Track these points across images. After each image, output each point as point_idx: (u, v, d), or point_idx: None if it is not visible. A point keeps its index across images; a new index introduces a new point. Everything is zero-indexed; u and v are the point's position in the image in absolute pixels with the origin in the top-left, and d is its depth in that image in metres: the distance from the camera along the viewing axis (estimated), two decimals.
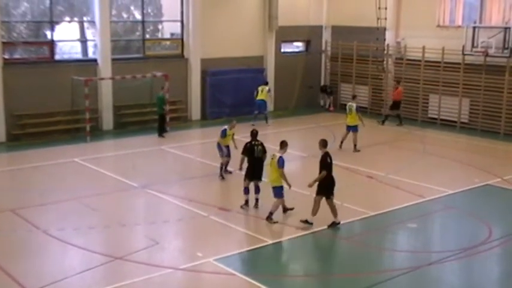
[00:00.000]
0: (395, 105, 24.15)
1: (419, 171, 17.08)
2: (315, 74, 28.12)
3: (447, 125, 23.49)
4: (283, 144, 12.90)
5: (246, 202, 13.54)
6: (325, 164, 12.44)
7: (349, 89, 27.12)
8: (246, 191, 13.59)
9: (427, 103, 24.85)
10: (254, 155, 13.59)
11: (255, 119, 23.00)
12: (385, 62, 26.07)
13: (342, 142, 19.47)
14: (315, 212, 12.50)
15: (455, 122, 23.74)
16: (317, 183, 12.48)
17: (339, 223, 12.66)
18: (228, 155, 16.02)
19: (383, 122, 24.14)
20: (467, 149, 20.65)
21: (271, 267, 11.19)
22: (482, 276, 10.94)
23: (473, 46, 22.48)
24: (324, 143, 12.72)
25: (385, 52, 25.87)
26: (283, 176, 12.63)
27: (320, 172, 12.44)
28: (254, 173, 13.55)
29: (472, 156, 19.14)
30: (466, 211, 14.14)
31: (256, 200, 13.51)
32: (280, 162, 12.59)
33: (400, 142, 21.09)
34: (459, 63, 23.38)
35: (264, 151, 13.73)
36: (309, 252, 11.80)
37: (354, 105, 19.58)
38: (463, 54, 22.95)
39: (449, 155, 19.24)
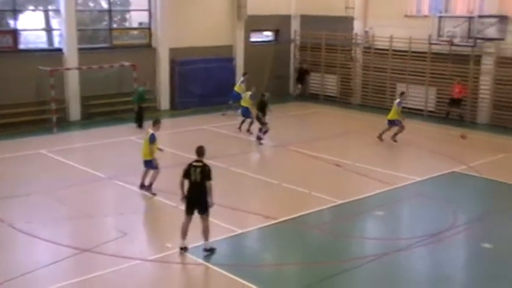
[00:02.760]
0: (455, 102, 22.72)
1: (387, 159, 17.30)
2: (284, 64, 28.14)
3: (414, 113, 23.78)
4: (156, 122, 14.12)
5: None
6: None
7: (317, 78, 27.26)
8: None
9: (395, 92, 25.11)
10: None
11: (228, 109, 22.79)
12: (353, 51, 26.26)
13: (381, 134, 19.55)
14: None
15: (422, 110, 24.06)
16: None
17: (210, 250, 10.92)
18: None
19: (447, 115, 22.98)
20: (434, 136, 20.92)
21: (240, 256, 11.22)
22: (448, 261, 11.12)
23: (439, 35, 22.81)
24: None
25: (354, 41, 26.04)
26: (153, 150, 13.88)
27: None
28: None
29: (438, 144, 19.42)
30: (432, 198, 14.37)
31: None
32: (152, 138, 13.86)
33: (369, 131, 21.25)
34: (426, 53, 23.68)
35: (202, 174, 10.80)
36: (278, 241, 11.86)
37: (397, 100, 19.57)
38: (430, 44, 23.26)
39: (416, 143, 19.50)
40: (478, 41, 22.06)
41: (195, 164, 10.89)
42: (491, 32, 21.81)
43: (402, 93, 20.46)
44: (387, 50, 24.90)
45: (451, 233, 12.08)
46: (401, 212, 14.01)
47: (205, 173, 10.74)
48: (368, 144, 19.38)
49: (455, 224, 12.51)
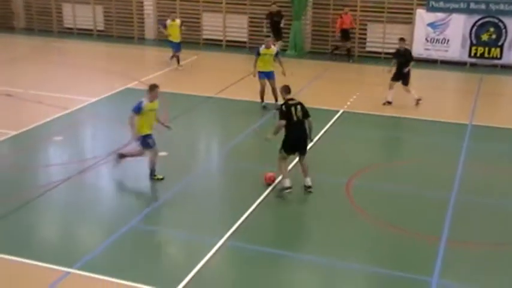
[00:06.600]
0: (344, 35, 20.30)
1: (60, 84, 16.96)
2: None
3: (84, 34, 23.51)
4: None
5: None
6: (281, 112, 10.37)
7: None
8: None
9: (61, 14, 24.38)
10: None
11: None
12: None
13: None
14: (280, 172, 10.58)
15: (91, 30, 23.90)
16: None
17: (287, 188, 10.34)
18: None
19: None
20: (105, 56, 21.14)
21: None
22: (131, 172, 11.62)
23: None
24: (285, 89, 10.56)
25: None
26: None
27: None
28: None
29: (110, 63, 19.73)
30: (109, 116, 14.70)
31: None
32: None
33: (35, 55, 20.43)
34: None
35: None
36: None
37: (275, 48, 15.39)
38: None
39: (88, 63, 19.46)
40: None
41: (291, 102, 10.28)
42: None
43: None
44: None
45: (130, 147, 12.59)
46: (80, 134, 14.02)
47: (305, 109, 10.32)
48: (39, 70, 18.66)
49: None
